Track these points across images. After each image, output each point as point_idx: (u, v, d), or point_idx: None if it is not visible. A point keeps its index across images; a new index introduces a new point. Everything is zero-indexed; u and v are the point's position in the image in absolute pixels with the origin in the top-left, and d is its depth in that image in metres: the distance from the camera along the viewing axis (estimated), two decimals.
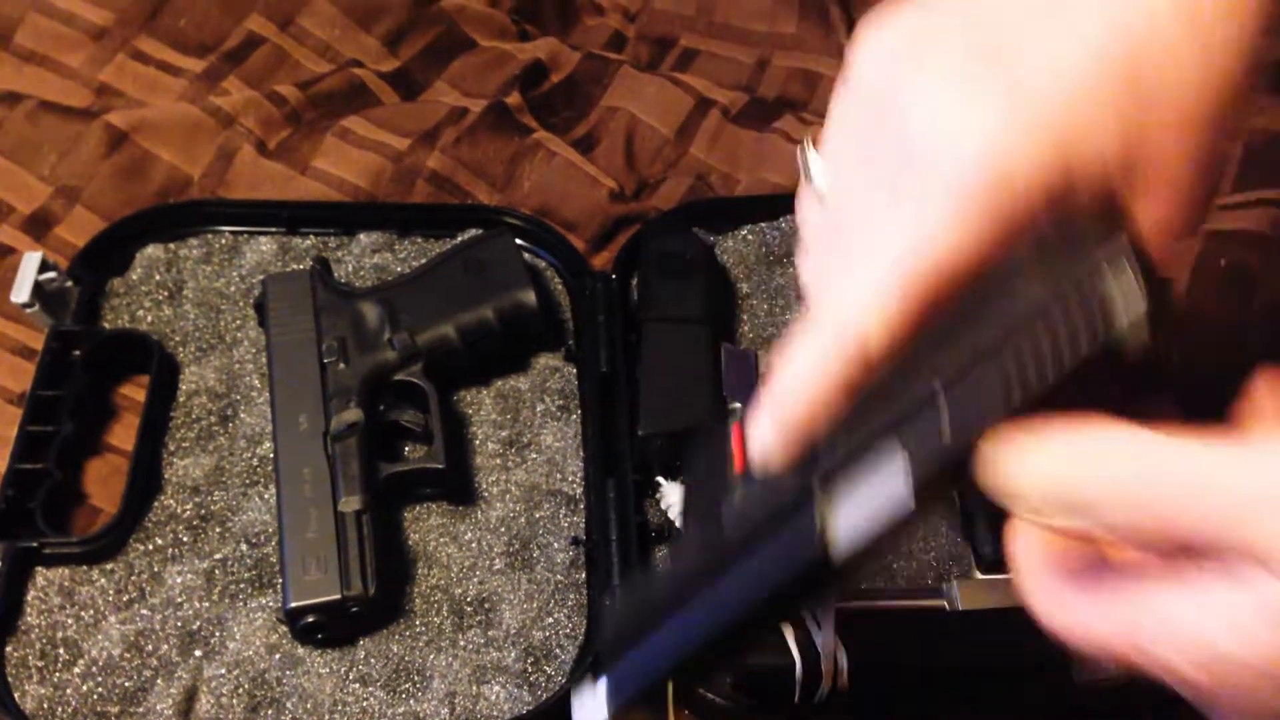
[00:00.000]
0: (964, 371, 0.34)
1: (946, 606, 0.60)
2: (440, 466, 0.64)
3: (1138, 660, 0.33)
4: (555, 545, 0.65)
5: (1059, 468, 0.32)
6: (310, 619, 0.58)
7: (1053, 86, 0.35)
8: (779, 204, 0.77)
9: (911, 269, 0.36)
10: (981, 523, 0.65)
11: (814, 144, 0.43)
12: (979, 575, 0.64)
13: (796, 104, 0.87)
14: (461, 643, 0.61)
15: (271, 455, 0.65)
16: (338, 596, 0.58)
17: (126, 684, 0.58)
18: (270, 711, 0.58)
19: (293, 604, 0.58)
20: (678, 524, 0.65)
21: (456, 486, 0.66)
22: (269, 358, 0.67)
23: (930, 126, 0.36)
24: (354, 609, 0.59)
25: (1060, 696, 0.59)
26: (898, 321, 0.36)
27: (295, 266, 0.74)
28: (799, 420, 0.38)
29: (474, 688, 0.59)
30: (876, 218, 0.38)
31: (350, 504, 0.61)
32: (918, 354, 0.37)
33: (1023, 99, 0.35)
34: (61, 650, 0.59)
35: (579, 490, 0.67)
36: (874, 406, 0.37)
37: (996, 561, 0.64)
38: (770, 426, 0.39)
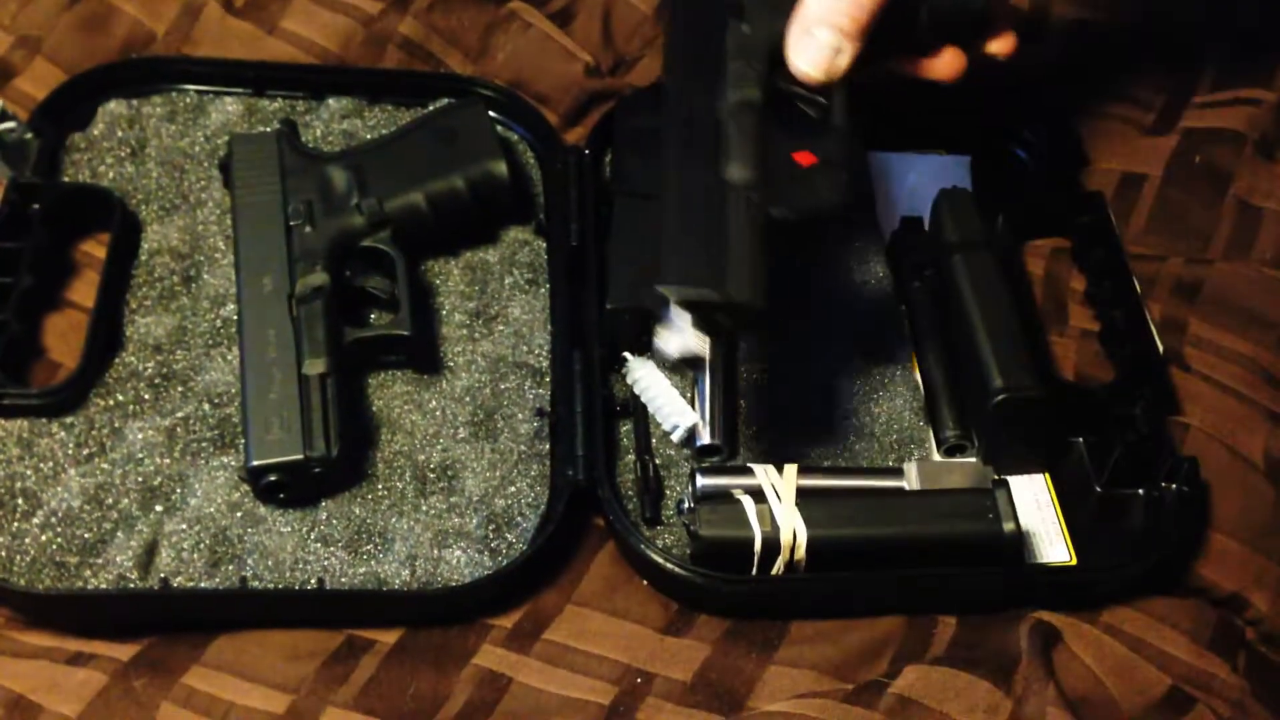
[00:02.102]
0: None
1: (905, 487, 0.61)
2: (406, 334, 0.63)
3: None
4: (519, 416, 0.65)
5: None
6: (272, 478, 0.58)
7: None
8: None
9: None
10: (944, 407, 0.65)
11: None
12: (938, 457, 0.65)
13: None
14: (424, 508, 0.61)
15: (235, 317, 0.65)
16: (300, 456, 0.58)
17: (86, 535, 0.58)
18: (230, 567, 0.58)
19: (255, 462, 0.58)
20: (643, 399, 0.65)
21: (421, 354, 0.65)
22: (234, 219, 0.66)
23: None
24: (316, 469, 0.59)
25: (1013, 577, 0.61)
26: None
27: (262, 129, 0.72)
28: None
29: (435, 551, 0.60)
30: None
31: (315, 366, 0.60)
32: None
33: None
34: (20, 500, 0.58)
35: (545, 363, 0.67)
36: None
37: (957, 446, 0.65)
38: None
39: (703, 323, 0.56)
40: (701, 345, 0.58)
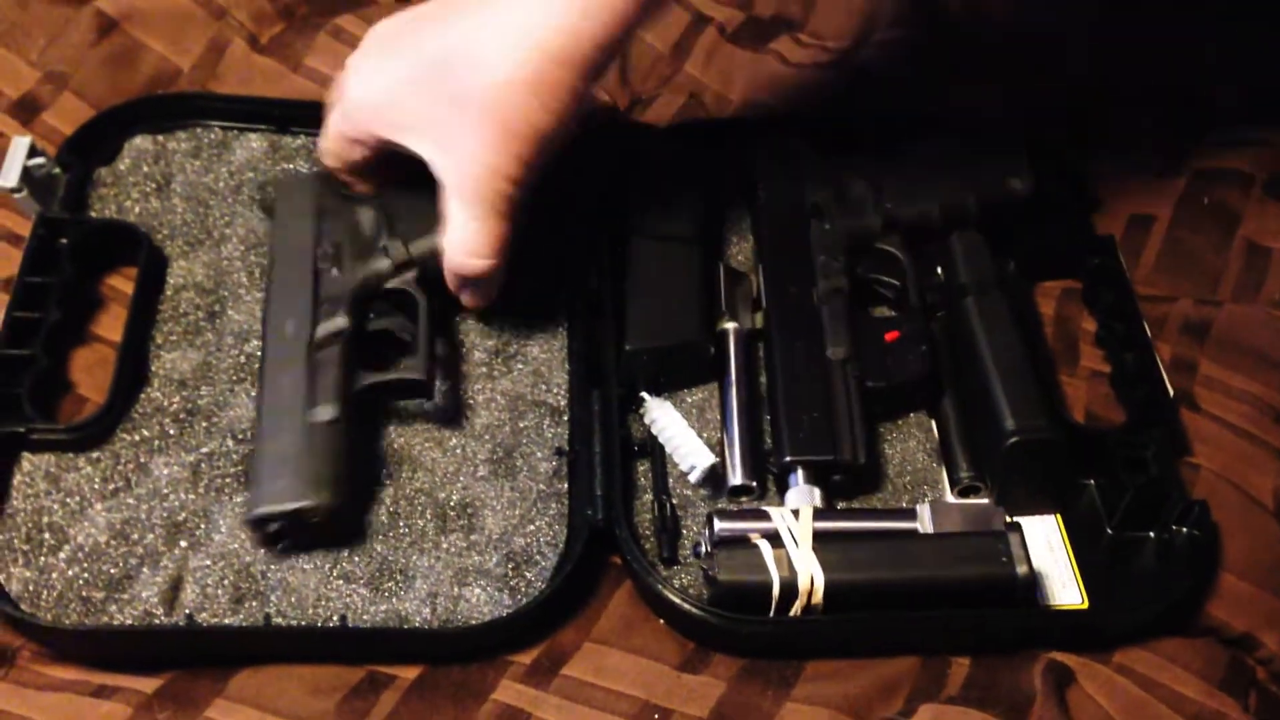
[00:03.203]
0: None
1: (919, 529, 0.62)
2: (419, 378, 0.64)
3: None
4: (538, 455, 0.65)
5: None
6: (272, 527, 0.59)
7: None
8: (774, 128, 0.77)
9: None
10: (957, 449, 0.66)
11: None
12: (951, 499, 0.66)
13: (793, 24, 0.86)
14: (444, 545, 0.62)
15: (259, 352, 0.66)
16: (296, 505, 0.58)
17: (112, 571, 0.59)
18: (254, 603, 0.59)
19: (255, 511, 0.59)
20: (660, 439, 0.66)
21: (439, 398, 0.66)
22: (269, 262, 0.67)
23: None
24: (315, 519, 0.59)
25: (1023, 620, 0.61)
26: None
27: (285, 166, 0.74)
28: None
29: (455, 589, 0.60)
30: None
31: (322, 414, 0.60)
32: None
33: None
34: (47, 535, 0.59)
35: (563, 402, 0.67)
36: None
37: (970, 487, 0.65)
38: None
39: (815, 480, 0.63)
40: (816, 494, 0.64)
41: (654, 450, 0.66)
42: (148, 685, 0.57)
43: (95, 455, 0.62)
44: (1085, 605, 0.62)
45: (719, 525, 0.60)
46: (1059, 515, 0.65)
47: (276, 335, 0.63)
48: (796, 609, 0.59)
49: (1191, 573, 0.63)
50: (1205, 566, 0.63)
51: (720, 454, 0.65)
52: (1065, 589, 0.63)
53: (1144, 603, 0.62)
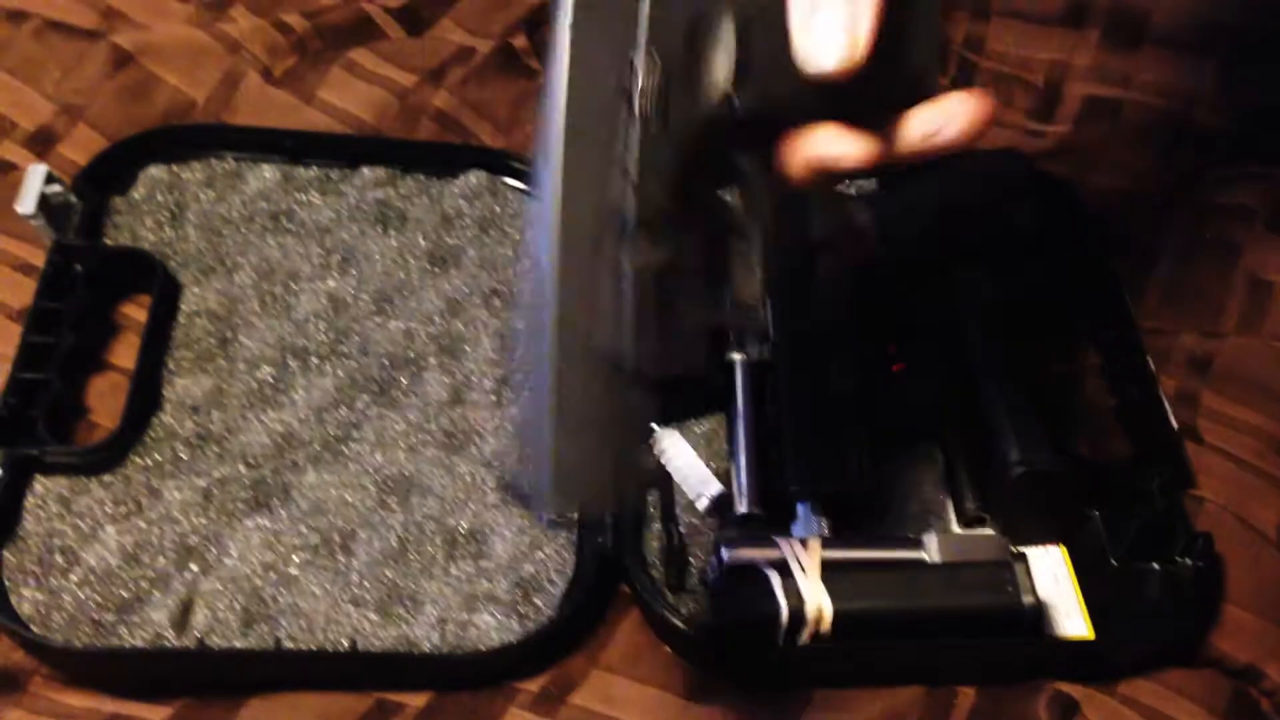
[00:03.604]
0: None
1: (926, 558, 0.62)
2: None
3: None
4: None
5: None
6: None
7: None
8: None
9: None
10: (963, 478, 0.67)
11: None
12: (957, 529, 0.66)
13: None
14: (453, 571, 0.62)
15: (271, 379, 0.66)
16: None
17: (123, 594, 0.59)
18: (265, 628, 0.59)
19: None
20: (669, 469, 0.66)
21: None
22: None
23: None
24: None
25: (1029, 650, 0.62)
26: None
27: (298, 196, 0.74)
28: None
29: (464, 615, 0.61)
30: None
31: None
32: None
33: None
34: (59, 557, 0.59)
35: None
36: None
37: (976, 518, 0.66)
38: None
39: (823, 510, 0.64)
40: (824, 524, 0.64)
41: (662, 479, 0.66)
42: (158, 714, 0.57)
43: (107, 479, 0.62)
44: (1090, 636, 0.63)
45: (726, 554, 0.61)
46: (1064, 546, 0.66)
47: None
48: (804, 637, 0.59)
49: (1196, 604, 0.63)
50: (1210, 598, 0.64)
51: (728, 484, 0.66)
52: (1070, 620, 0.63)
53: (1149, 634, 0.62)
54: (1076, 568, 0.65)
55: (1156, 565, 0.65)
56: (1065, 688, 0.61)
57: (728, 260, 0.49)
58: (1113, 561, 0.65)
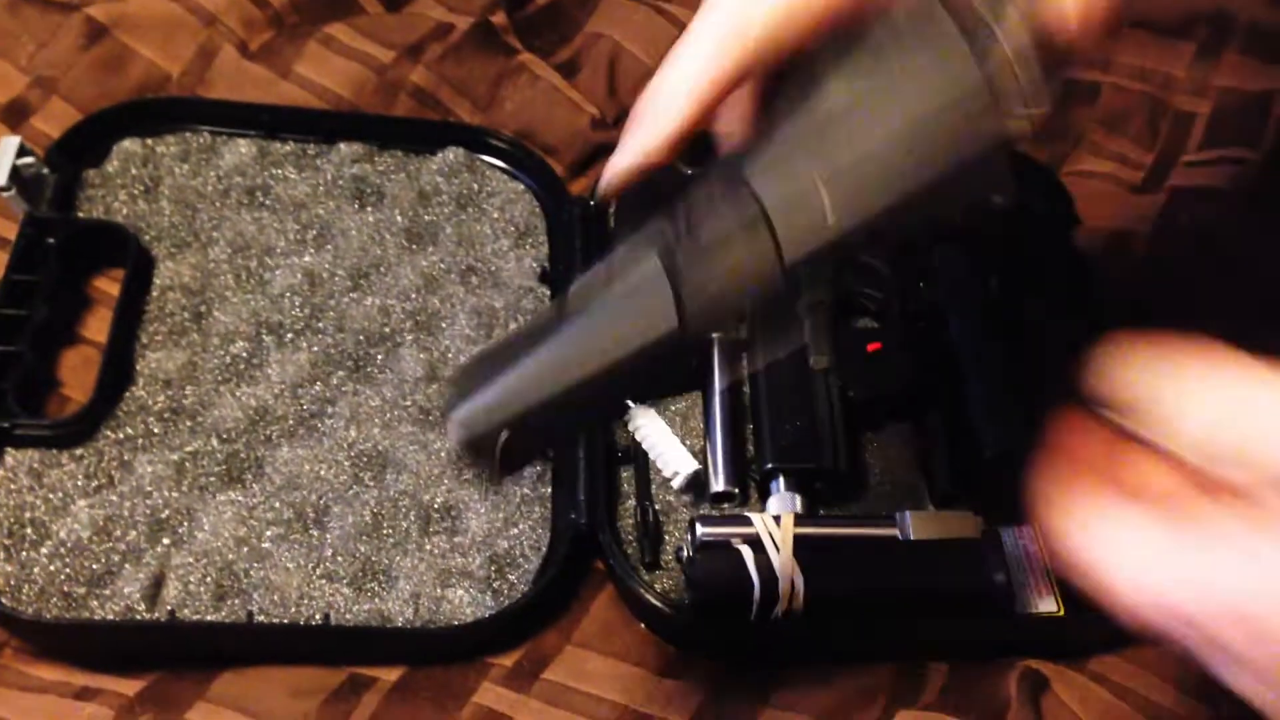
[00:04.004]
0: (842, 162, 0.36)
1: (899, 535, 0.63)
2: None
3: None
4: None
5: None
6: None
7: None
8: None
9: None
10: (938, 457, 0.67)
11: None
12: (930, 508, 0.66)
13: None
14: (427, 547, 0.62)
15: (245, 354, 0.66)
16: None
17: (94, 567, 0.59)
18: (236, 601, 0.59)
19: None
20: (644, 446, 0.66)
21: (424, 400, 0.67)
22: None
23: None
24: None
25: (1000, 628, 0.62)
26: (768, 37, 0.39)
27: (274, 171, 0.74)
28: (667, 130, 0.41)
29: (438, 590, 0.61)
30: None
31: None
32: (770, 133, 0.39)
33: None
34: (29, 530, 0.59)
35: None
36: (727, 176, 0.39)
37: (950, 496, 0.66)
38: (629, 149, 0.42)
39: (797, 487, 0.64)
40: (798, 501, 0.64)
41: (637, 457, 0.66)
42: (130, 687, 0.57)
43: (79, 452, 0.62)
44: (1060, 613, 0.63)
45: (701, 530, 0.61)
46: (1036, 525, 0.66)
47: None
48: (777, 614, 0.59)
49: None
50: None
51: (703, 461, 0.66)
52: (1041, 597, 0.64)
53: None
54: (1048, 546, 0.65)
55: None
56: (1036, 664, 0.61)
57: None
58: None
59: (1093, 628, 0.63)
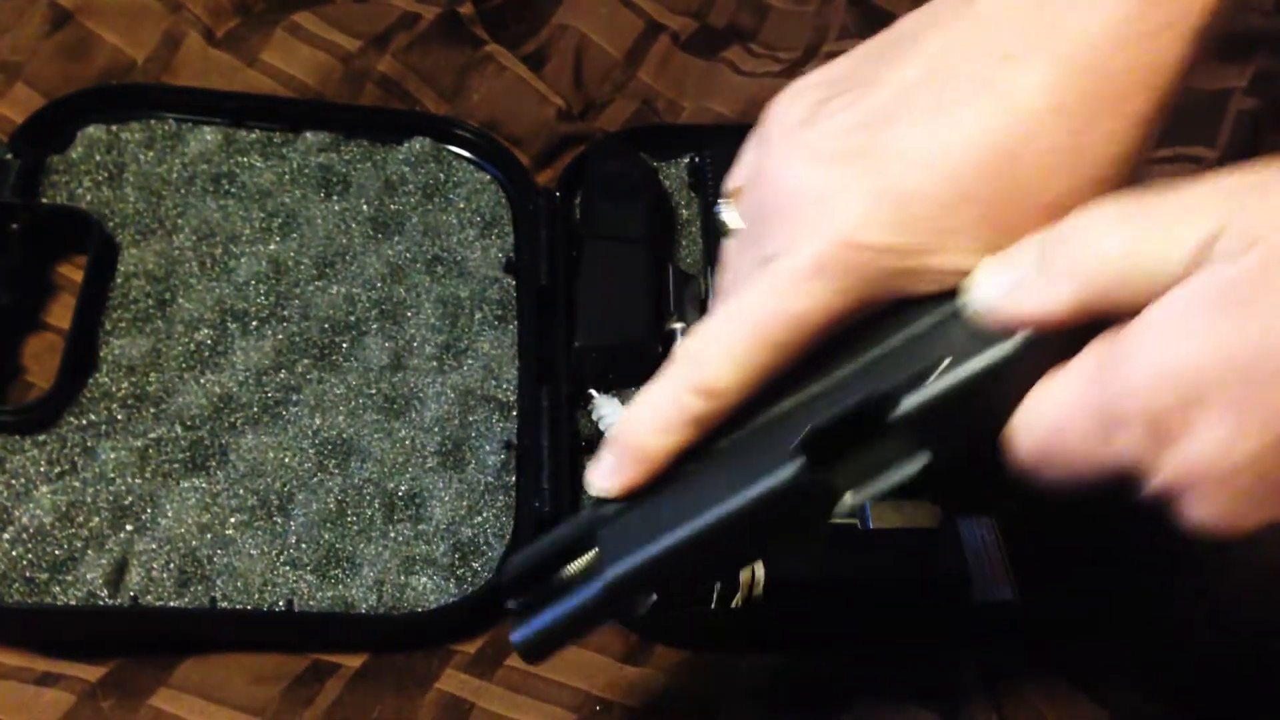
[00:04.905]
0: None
1: (858, 525, 0.63)
2: None
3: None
4: (487, 448, 0.66)
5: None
6: None
7: (921, 186, 0.40)
8: (724, 135, 0.78)
9: (760, 324, 0.41)
10: None
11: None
12: (891, 498, 0.67)
13: (745, 34, 0.88)
14: (391, 534, 0.63)
15: (209, 341, 0.66)
16: None
17: (57, 552, 0.58)
18: (200, 587, 0.59)
19: None
20: (607, 435, 0.67)
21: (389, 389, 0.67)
22: None
23: (796, 200, 0.41)
24: None
25: (957, 616, 0.63)
26: (748, 366, 0.42)
27: (239, 159, 0.74)
28: (646, 450, 0.44)
29: (402, 577, 0.61)
30: (746, 272, 0.44)
31: None
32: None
33: (889, 198, 0.40)
34: None
35: (513, 397, 0.68)
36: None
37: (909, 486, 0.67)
38: (615, 455, 0.45)
39: None
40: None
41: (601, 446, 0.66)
42: (92, 674, 0.57)
43: (41, 438, 0.62)
44: (1018, 601, 0.64)
45: None
46: (994, 514, 0.67)
47: None
48: (737, 601, 0.60)
49: (1125, 572, 0.65)
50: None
51: None
52: (998, 586, 0.64)
53: (1077, 601, 0.64)
54: (1005, 535, 0.66)
55: (1086, 535, 0.66)
56: (993, 652, 0.62)
57: None
58: (1042, 531, 0.66)
59: (1049, 616, 0.64)
